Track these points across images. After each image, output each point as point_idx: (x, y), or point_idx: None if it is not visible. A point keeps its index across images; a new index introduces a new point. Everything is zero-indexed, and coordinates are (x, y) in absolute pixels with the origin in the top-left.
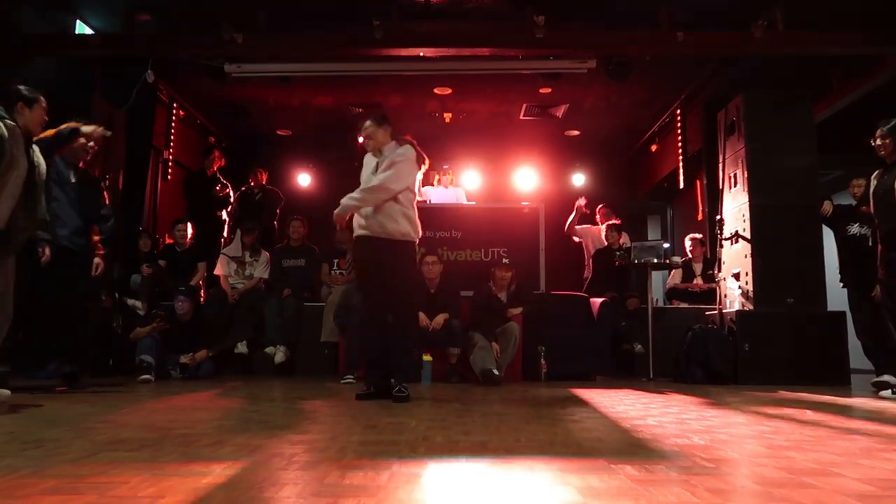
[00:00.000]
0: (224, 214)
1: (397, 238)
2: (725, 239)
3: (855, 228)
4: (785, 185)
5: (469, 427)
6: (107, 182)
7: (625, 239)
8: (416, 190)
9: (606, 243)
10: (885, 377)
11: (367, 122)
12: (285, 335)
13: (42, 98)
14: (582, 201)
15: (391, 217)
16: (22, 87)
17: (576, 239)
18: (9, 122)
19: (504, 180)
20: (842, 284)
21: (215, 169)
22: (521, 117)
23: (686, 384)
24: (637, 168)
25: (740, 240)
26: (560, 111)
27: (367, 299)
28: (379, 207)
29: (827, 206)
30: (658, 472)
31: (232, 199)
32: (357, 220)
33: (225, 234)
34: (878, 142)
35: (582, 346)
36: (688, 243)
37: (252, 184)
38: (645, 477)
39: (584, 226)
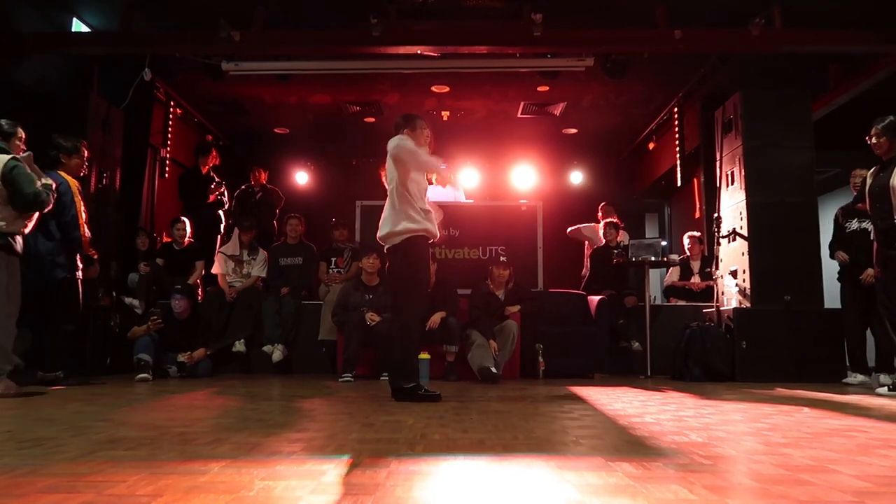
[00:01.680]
0: (220, 213)
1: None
2: (723, 237)
3: (854, 224)
4: (782, 182)
5: (467, 425)
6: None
7: (623, 237)
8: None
9: (604, 241)
10: (882, 377)
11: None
12: (283, 334)
13: (20, 129)
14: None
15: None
16: (3, 122)
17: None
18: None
19: (502, 178)
20: (838, 276)
21: (210, 167)
22: (519, 115)
23: (684, 382)
24: (635, 166)
25: (738, 237)
26: (558, 109)
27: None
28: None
29: (841, 257)
30: (656, 470)
31: (226, 199)
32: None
33: (221, 232)
34: (874, 139)
35: (580, 343)
36: (686, 241)
37: (252, 182)
38: (643, 474)
39: (586, 224)
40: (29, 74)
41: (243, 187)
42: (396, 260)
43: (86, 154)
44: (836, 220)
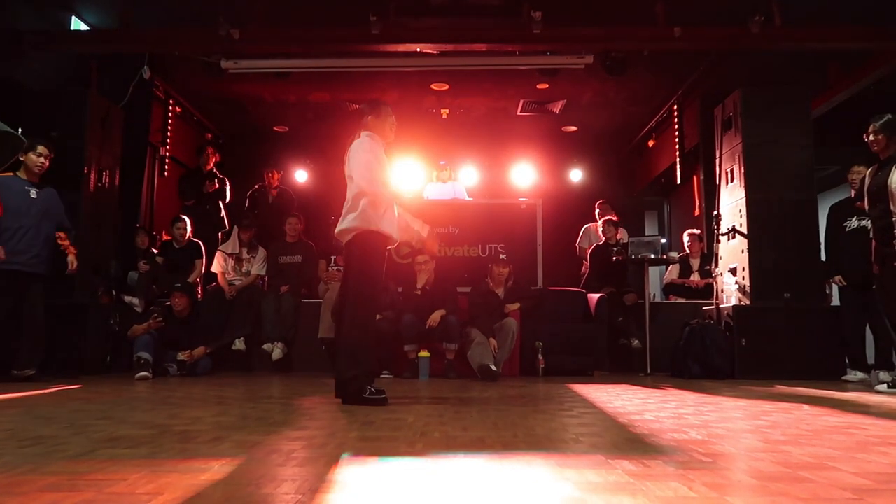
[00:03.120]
0: (222, 209)
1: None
2: (722, 234)
3: (854, 222)
4: (782, 180)
5: (467, 423)
6: None
7: (622, 234)
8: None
9: (603, 239)
10: (881, 374)
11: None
12: (282, 332)
13: None
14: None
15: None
16: None
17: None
18: None
19: (501, 176)
20: (837, 279)
21: (212, 165)
22: (519, 113)
23: (683, 379)
24: (634, 163)
25: (737, 235)
26: (557, 107)
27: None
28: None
29: (838, 281)
30: (655, 467)
31: (228, 194)
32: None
33: (226, 227)
34: (871, 137)
35: (579, 341)
36: (686, 239)
37: (267, 183)
38: (642, 472)
39: (582, 232)
40: (28, 72)
41: (256, 187)
42: (348, 258)
43: (43, 153)
44: (829, 218)
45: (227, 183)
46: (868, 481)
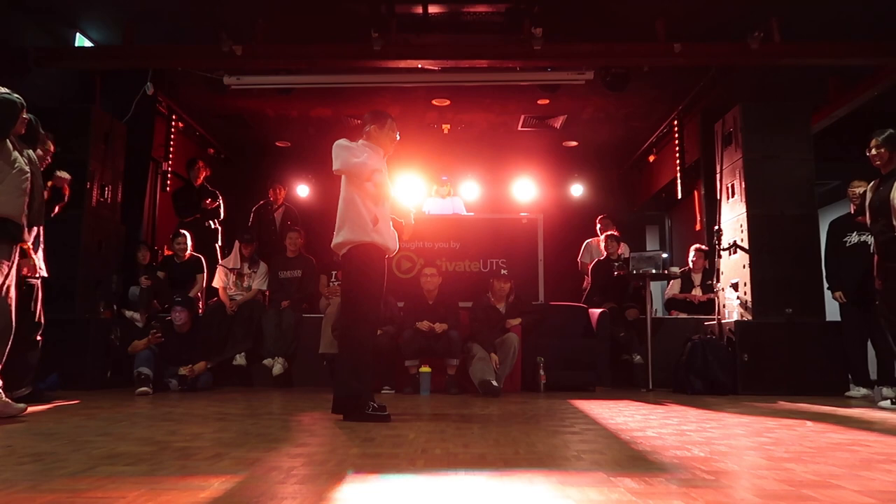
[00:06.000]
0: (215, 224)
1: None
2: (724, 249)
3: (854, 237)
4: (783, 195)
5: (468, 439)
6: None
7: (623, 249)
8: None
9: (605, 254)
10: (884, 390)
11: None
12: (283, 347)
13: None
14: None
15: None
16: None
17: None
18: None
19: (502, 191)
20: (838, 295)
21: (202, 180)
22: (520, 128)
23: (685, 395)
24: (635, 178)
25: (738, 250)
26: (558, 122)
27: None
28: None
29: (839, 297)
30: (658, 485)
31: (222, 210)
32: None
33: (220, 244)
34: (873, 151)
35: (581, 356)
36: (691, 254)
37: (272, 199)
38: (645, 490)
39: (584, 248)
40: (32, 88)
41: (262, 203)
42: (344, 272)
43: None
44: (829, 234)
45: (220, 198)
46: (873, 500)
